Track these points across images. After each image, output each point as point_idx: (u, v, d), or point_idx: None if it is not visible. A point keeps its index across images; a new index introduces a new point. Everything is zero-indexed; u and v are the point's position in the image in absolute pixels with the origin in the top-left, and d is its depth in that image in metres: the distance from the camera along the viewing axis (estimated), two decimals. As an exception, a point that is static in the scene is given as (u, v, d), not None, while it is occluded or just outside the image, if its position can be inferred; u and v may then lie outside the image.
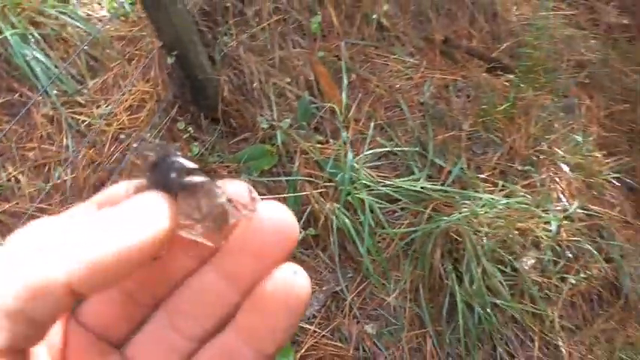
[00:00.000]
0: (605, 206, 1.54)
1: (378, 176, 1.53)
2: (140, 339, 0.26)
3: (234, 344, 0.25)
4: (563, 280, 1.33)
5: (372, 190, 1.46)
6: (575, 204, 1.40)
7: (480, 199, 1.40)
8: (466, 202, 1.39)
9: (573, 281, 1.33)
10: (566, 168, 1.48)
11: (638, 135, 1.87)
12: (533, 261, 1.34)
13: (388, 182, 1.49)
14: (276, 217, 0.24)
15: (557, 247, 1.36)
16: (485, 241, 1.32)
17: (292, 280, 0.23)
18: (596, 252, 1.33)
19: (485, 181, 1.52)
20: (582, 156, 1.54)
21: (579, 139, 1.54)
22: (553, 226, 1.38)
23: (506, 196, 1.45)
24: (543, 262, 1.34)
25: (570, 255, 1.34)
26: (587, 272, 1.33)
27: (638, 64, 2.07)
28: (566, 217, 1.40)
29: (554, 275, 1.33)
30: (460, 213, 1.33)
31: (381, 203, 1.43)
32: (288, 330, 0.24)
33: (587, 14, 2.37)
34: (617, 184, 1.64)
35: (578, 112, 1.71)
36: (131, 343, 0.26)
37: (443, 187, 1.48)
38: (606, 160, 1.65)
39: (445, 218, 1.33)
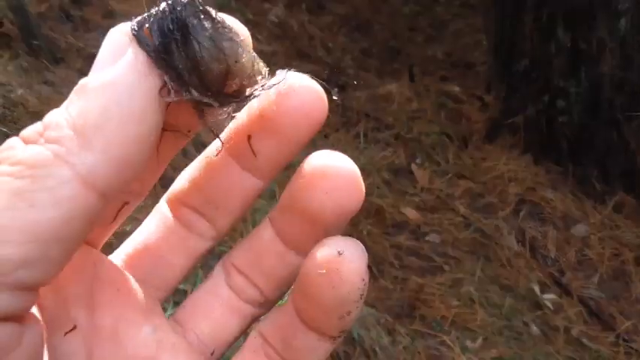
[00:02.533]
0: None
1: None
2: (196, 295, 0.25)
3: (290, 321, 0.23)
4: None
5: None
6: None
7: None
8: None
9: (318, 348, 1.51)
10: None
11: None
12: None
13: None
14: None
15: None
16: None
17: (337, 264, 0.21)
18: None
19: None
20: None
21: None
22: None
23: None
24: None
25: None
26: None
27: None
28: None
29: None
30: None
31: None
32: (345, 317, 0.21)
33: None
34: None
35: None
36: (187, 299, 0.25)
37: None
38: (324, 237, 1.96)
39: None
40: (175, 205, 0.25)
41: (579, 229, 2.28)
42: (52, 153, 0.19)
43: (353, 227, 2.16)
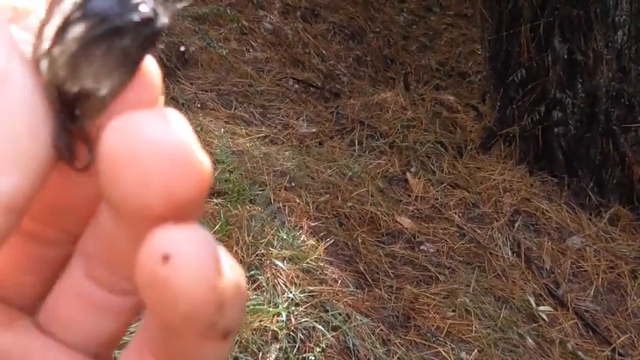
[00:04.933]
0: (328, 283, 1.78)
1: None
2: (54, 296, 0.19)
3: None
4: (304, 360, 1.47)
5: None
6: (294, 290, 1.59)
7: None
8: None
9: (312, 358, 1.48)
10: (280, 263, 1.68)
11: (343, 217, 2.23)
12: (275, 354, 1.46)
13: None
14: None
15: (292, 333, 1.51)
16: (226, 352, 1.40)
17: (163, 275, 0.14)
18: (320, 326, 1.52)
19: (220, 296, 1.64)
20: (294, 248, 1.77)
21: (285, 236, 1.78)
22: (283, 316, 1.53)
23: (241, 304, 1.58)
24: (283, 352, 1.47)
25: (302, 336, 1.50)
26: (321, 345, 1.50)
27: (328, 161, 2.51)
28: (292, 305, 1.57)
29: (295, 359, 1.46)
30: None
31: None
32: (216, 324, 0.15)
33: (284, 130, 2.81)
34: (333, 260, 1.92)
35: (285, 212, 1.98)
36: (45, 301, 0.19)
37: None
38: (319, 245, 1.92)
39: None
40: None
41: (574, 241, 2.28)
42: None
43: (347, 235, 2.14)
